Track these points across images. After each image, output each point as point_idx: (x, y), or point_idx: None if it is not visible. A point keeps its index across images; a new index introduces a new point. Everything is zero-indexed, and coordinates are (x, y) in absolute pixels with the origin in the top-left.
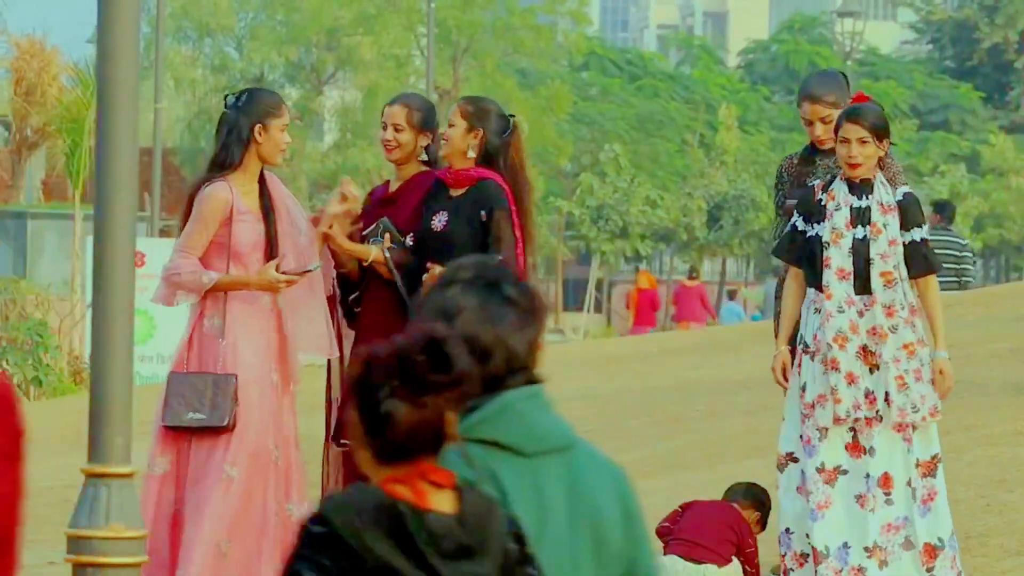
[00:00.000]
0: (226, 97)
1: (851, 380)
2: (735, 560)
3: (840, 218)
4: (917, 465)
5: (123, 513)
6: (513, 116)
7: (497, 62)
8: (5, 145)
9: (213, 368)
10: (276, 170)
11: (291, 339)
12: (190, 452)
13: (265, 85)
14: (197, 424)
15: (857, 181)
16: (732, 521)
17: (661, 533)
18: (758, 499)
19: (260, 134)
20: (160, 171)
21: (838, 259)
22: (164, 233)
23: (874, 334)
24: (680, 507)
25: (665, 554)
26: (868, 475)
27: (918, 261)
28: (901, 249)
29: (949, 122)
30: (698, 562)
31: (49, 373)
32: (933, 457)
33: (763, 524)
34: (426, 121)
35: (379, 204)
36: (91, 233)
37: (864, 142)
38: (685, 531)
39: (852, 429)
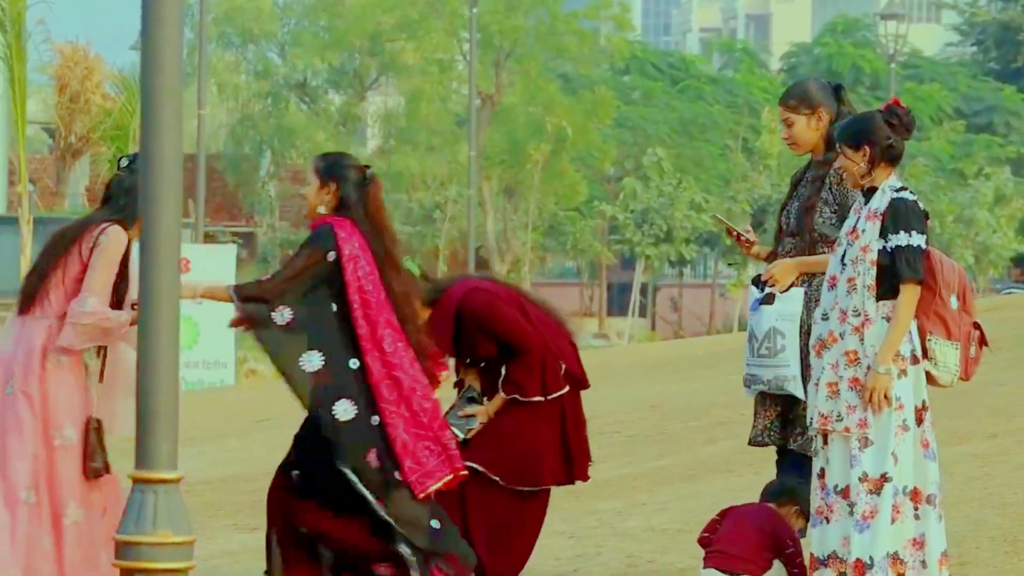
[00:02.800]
0: (120, 159)
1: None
2: (777, 563)
3: (846, 227)
4: (863, 480)
5: (170, 519)
6: (368, 167)
7: (540, 67)
8: (50, 152)
9: (91, 410)
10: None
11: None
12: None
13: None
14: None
15: (864, 189)
16: (768, 524)
17: (702, 543)
18: (792, 492)
19: None
20: (204, 177)
21: (832, 267)
22: (208, 238)
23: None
24: (718, 515)
25: (704, 568)
26: (829, 486)
27: (890, 269)
28: (872, 256)
29: (994, 124)
30: (736, 574)
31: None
32: (882, 475)
33: (805, 515)
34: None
35: None
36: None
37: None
38: (721, 541)
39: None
